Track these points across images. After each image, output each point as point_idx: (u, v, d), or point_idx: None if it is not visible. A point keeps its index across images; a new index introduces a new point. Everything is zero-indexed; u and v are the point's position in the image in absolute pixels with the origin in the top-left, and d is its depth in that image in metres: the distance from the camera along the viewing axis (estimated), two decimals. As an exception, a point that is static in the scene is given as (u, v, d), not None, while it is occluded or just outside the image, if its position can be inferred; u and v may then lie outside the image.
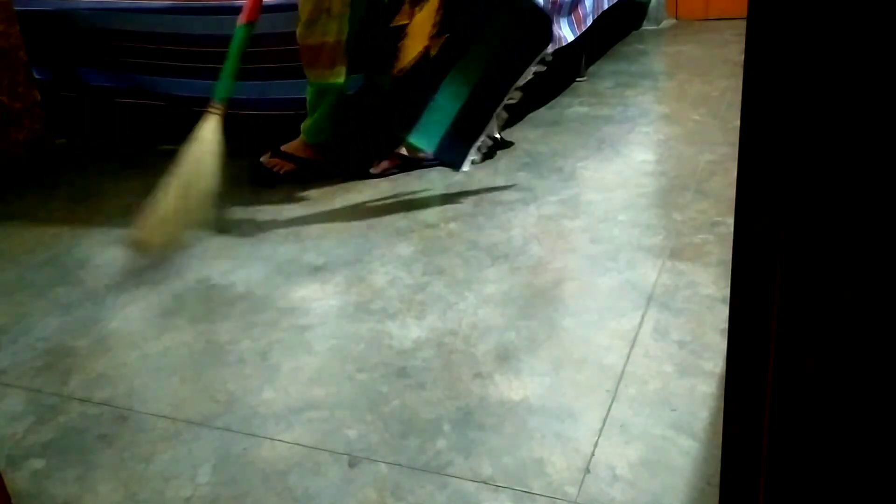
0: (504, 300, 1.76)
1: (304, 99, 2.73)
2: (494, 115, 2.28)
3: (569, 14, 3.18)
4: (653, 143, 2.68)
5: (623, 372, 1.48)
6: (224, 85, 2.26)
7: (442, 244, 2.05)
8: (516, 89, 2.26)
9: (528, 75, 2.23)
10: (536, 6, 2.28)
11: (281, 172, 2.59)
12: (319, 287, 1.89)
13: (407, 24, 2.20)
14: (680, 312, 1.65)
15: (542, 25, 2.21)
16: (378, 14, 2.27)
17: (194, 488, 1.29)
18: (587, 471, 1.25)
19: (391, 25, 2.17)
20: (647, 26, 4.47)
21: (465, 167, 2.32)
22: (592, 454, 1.28)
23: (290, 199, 2.43)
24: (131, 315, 1.85)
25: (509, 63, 2.23)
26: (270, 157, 2.61)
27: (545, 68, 2.21)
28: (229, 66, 2.27)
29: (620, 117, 2.94)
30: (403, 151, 2.58)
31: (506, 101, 2.28)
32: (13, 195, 2.71)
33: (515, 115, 2.92)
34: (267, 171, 2.59)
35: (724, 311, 1.59)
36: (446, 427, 1.38)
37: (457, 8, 2.18)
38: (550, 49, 2.45)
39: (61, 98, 3.12)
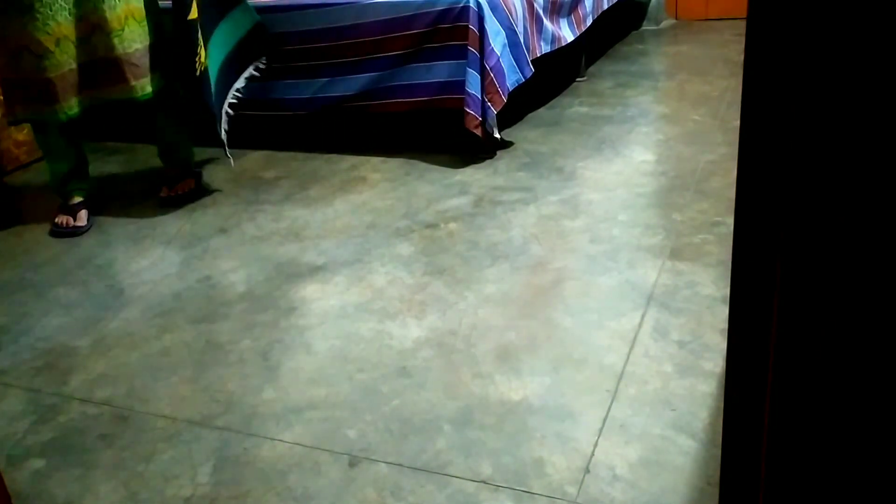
0: (504, 300, 1.76)
1: (307, 99, 2.73)
2: (222, 109, 2.50)
3: (569, 14, 3.18)
4: (653, 143, 2.68)
5: (623, 372, 1.48)
6: None
7: (442, 244, 2.05)
8: (237, 90, 2.53)
9: (246, 74, 2.55)
10: (262, 23, 2.59)
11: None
12: (319, 287, 1.89)
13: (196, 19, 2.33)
14: (680, 312, 1.65)
15: (266, 38, 2.59)
16: (176, 16, 2.32)
17: (194, 488, 1.29)
18: (587, 471, 1.25)
19: (188, 19, 2.27)
20: (646, 26, 4.47)
21: (229, 155, 2.46)
22: (592, 454, 1.28)
23: (290, 200, 2.43)
24: (131, 315, 1.85)
25: (235, 64, 2.53)
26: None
27: (259, 74, 2.58)
28: None
29: (620, 117, 2.94)
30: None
31: (229, 100, 2.51)
32: (13, 195, 2.71)
33: (515, 115, 2.92)
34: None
35: (723, 311, 1.59)
36: (446, 427, 1.38)
37: (204, 10, 2.36)
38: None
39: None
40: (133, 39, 2.23)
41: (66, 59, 2.18)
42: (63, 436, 1.45)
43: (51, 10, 2.12)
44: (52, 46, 2.14)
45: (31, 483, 1.34)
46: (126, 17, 2.21)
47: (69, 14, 2.15)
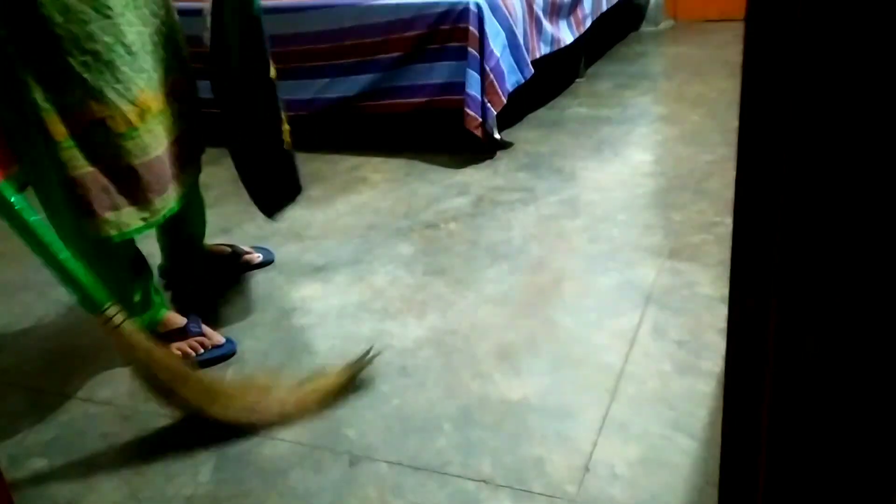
0: (504, 300, 1.77)
1: (308, 100, 2.74)
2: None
3: (568, 15, 3.19)
4: (651, 143, 2.69)
5: (622, 371, 1.48)
6: (94, 285, 1.37)
7: (442, 244, 2.06)
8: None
9: None
10: None
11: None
12: (320, 287, 1.90)
13: None
14: (679, 312, 1.66)
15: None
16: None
17: (196, 487, 1.30)
18: (587, 469, 1.25)
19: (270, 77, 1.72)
20: (645, 27, 4.47)
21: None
22: (592, 453, 1.29)
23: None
24: (132, 315, 1.86)
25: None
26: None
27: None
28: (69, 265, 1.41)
29: (619, 118, 2.94)
30: None
31: None
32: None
33: (515, 116, 2.93)
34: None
35: (722, 311, 1.59)
36: (446, 426, 1.38)
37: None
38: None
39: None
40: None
41: (151, 141, 1.48)
42: (65, 435, 1.46)
43: (132, 71, 1.43)
44: (136, 121, 1.45)
45: (33, 482, 1.35)
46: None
47: (149, 77, 1.47)
